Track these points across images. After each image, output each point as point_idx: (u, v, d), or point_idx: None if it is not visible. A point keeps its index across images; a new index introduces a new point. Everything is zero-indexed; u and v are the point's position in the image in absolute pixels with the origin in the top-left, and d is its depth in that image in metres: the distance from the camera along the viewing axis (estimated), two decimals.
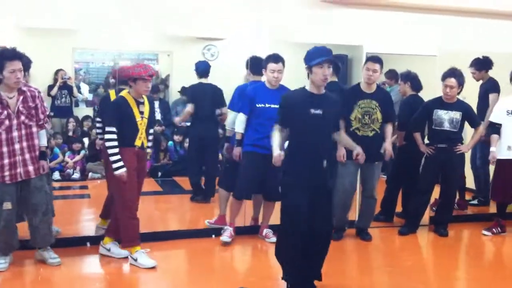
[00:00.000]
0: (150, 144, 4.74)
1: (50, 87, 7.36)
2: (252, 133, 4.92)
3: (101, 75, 8.38)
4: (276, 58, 4.87)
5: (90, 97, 8.21)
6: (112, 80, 5.56)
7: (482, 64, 6.15)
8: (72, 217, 5.90)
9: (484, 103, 6.09)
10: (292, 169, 3.67)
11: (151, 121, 4.63)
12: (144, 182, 4.64)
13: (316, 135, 3.63)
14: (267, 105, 4.87)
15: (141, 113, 4.44)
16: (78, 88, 7.92)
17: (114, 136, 4.29)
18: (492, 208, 6.28)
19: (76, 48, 7.81)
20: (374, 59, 5.01)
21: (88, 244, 4.83)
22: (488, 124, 5.58)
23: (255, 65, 5.26)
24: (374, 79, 5.00)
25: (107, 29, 5.67)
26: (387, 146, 5.10)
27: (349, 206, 5.21)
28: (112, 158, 4.28)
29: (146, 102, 4.51)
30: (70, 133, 7.68)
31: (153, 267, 4.35)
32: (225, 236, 4.96)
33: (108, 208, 4.84)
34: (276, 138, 3.73)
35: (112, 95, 4.82)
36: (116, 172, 4.27)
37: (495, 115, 5.47)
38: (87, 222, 5.91)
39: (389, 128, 5.13)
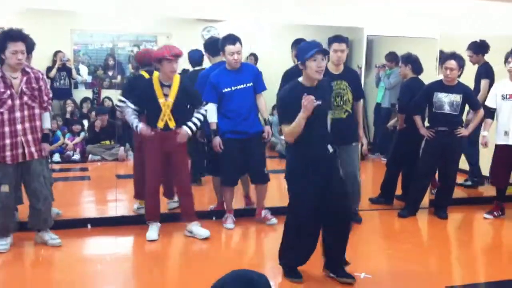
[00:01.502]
0: (198, 116, 4.65)
1: (49, 69, 7.31)
2: (224, 120, 4.82)
3: (100, 57, 8.32)
4: (233, 40, 4.73)
5: (89, 79, 8.17)
6: (135, 64, 5.54)
7: (479, 48, 6.13)
8: (72, 199, 5.91)
9: (477, 87, 6.09)
10: (299, 162, 3.67)
11: (186, 103, 4.63)
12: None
13: (319, 125, 3.65)
14: (233, 88, 4.79)
15: (165, 95, 4.47)
16: (77, 70, 7.89)
17: (123, 104, 4.61)
18: (487, 190, 6.32)
19: (74, 30, 7.75)
20: (340, 39, 4.87)
21: (89, 226, 4.86)
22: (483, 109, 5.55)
23: (213, 46, 5.14)
24: (342, 59, 4.89)
25: (105, 10, 5.63)
26: (360, 133, 5.02)
27: None
28: (130, 122, 4.54)
29: (176, 85, 4.51)
30: (68, 115, 7.66)
31: (154, 240, 4.53)
32: (229, 224, 4.98)
33: (140, 188, 4.93)
34: (293, 124, 3.56)
35: (146, 76, 4.89)
36: (138, 130, 4.49)
37: (489, 100, 5.44)
38: (88, 204, 5.95)
39: (359, 107, 5.06)
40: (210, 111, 4.83)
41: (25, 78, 4.15)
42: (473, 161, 6.38)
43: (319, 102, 3.53)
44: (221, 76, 4.82)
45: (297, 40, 5.37)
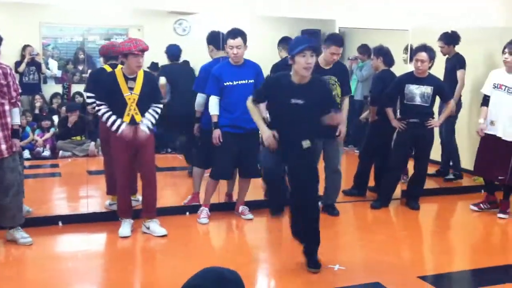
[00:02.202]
0: (153, 113, 4.56)
1: (18, 64, 7.17)
2: (223, 113, 4.82)
3: (70, 51, 8.18)
4: (234, 34, 4.70)
5: (59, 73, 8.03)
6: (100, 59, 5.47)
7: (450, 38, 6.20)
8: (43, 196, 5.82)
9: (451, 78, 6.16)
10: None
11: (150, 97, 4.52)
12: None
13: (295, 123, 3.61)
14: (235, 82, 4.78)
15: (130, 88, 4.39)
16: (47, 64, 7.75)
17: (97, 102, 4.45)
18: (464, 182, 6.42)
19: (43, 23, 7.60)
20: (340, 42, 4.89)
21: (60, 223, 4.78)
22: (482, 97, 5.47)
23: (216, 39, 5.16)
24: (336, 60, 4.94)
25: (75, 2, 5.52)
26: (342, 128, 4.99)
27: None
28: (108, 123, 4.39)
29: (140, 78, 4.44)
30: (37, 111, 7.53)
31: (126, 237, 4.49)
32: (203, 218, 4.94)
33: (112, 183, 4.86)
34: (257, 114, 3.76)
35: (108, 69, 4.81)
36: (118, 132, 4.36)
37: (485, 87, 5.33)
38: (59, 201, 5.85)
39: (346, 103, 5.07)
40: (212, 103, 4.81)
41: None
42: (451, 150, 6.42)
43: (300, 102, 3.54)
44: (224, 69, 4.81)
45: (284, 38, 5.38)
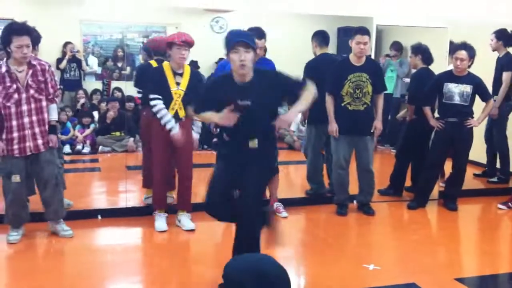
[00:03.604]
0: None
1: (59, 60, 7.36)
2: None
3: (110, 48, 8.36)
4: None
5: (99, 70, 8.20)
6: (139, 56, 5.57)
7: (503, 36, 6.03)
8: (83, 190, 5.95)
9: (498, 78, 6.02)
10: (221, 153, 3.61)
11: (194, 93, 4.51)
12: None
13: (244, 124, 3.25)
14: None
15: (177, 83, 4.47)
16: (87, 61, 7.93)
17: (151, 96, 4.48)
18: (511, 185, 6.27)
19: (83, 20, 7.78)
20: (363, 30, 4.87)
21: (99, 217, 4.89)
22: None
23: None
24: (366, 52, 4.90)
25: (114, 1, 5.62)
26: (377, 125, 5.00)
27: (347, 181, 5.17)
28: (162, 121, 4.45)
29: (187, 74, 4.52)
30: (79, 106, 7.70)
31: (163, 231, 4.56)
32: None
33: (149, 177, 4.95)
34: (202, 115, 3.45)
35: (154, 64, 4.88)
36: (171, 133, 4.43)
37: None
38: (98, 195, 5.98)
39: (380, 101, 5.04)
40: None
41: (30, 71, 4.15)
42: (503, 153, 6.23)
43: (248, 103, 3.24)
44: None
45: (317, 32, 5.35)
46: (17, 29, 4.04)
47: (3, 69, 4.10)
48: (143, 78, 4.93)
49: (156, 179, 4.68)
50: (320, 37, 5.33)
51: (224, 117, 3.22)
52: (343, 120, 4.95)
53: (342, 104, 4.92)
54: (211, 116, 3.34)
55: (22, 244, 4.27)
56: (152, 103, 4.49)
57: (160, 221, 4.64)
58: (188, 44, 4.43)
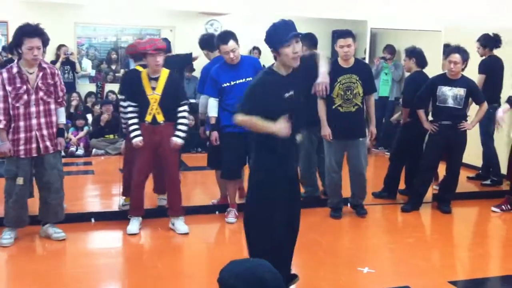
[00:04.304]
0: (181, 120, 4.61)
1: (53, 63, 7.32)
2: (225, 114, 4.78)
3: (104, 51, 8.35)
4: (225, 39, 4.68)
5: (93, 73, 8.19)
6: (131, 59, 5.58)
7: (486, 41, 6.06)
8: (76, 193, 5.92)
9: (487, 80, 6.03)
10: (267, 164, 3.32)
11: (172, 97, 4.56)
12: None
13: (290, 118, 3.19)
14: (232, 83, 4.78)
15: (153, 88, 4.49)
16: (81, 63, 7.90)
17: (128, 109, 4.60)
18: (504, 187, 6.28)
19: (78, 23, 7.76)
20: (345, 33, 4.88)
21: (93, 220, 4.88)
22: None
23: (208, 42, 5.18)
24: (350, 54, 4.90)
25: (109, 3, 5.62)
26: (372, 130, 5.03)
27: (340, 184, 5.17)
28: (130, 128, 4.56)
29: (163, 78, 4.52)
30: (72, 109, 7.68)
31: (134, 234, 4.55)
32: (230, 218, 4.96)
33: (128, 184, 4.92)
34: (253, 120, 3.20)
35: (140, 70, 4.85)
36: (132, 141, 4.51)
37: None
38: (92, 198, 5.96)
39: (371, 102, 5.06)
40: (211, 106, 4.85)
41: (41, 74, 4.18)
42: (489, 154, 6.28)
43: (290, 93, 3.24)
44: (221, 70, 4.82)
45: (306, 35, 5.33)
46: (29, 31, 4.06)
47: (14, 70, 4.13)
48: (124, 84, 5.03)
49: (134, 184, 4.65)
50: (309, 40, 5.34)
51: (282, 128, 3.11)
52: (335, 124, 4.96)
53: (333, 107, 4.93)
54: (268, 126, 3.15)
55: (14, 247, 4.25)
56: (125, 109, 4.65)
57: (133, 224, 4.61)
58: (161, 50, 4.46)
